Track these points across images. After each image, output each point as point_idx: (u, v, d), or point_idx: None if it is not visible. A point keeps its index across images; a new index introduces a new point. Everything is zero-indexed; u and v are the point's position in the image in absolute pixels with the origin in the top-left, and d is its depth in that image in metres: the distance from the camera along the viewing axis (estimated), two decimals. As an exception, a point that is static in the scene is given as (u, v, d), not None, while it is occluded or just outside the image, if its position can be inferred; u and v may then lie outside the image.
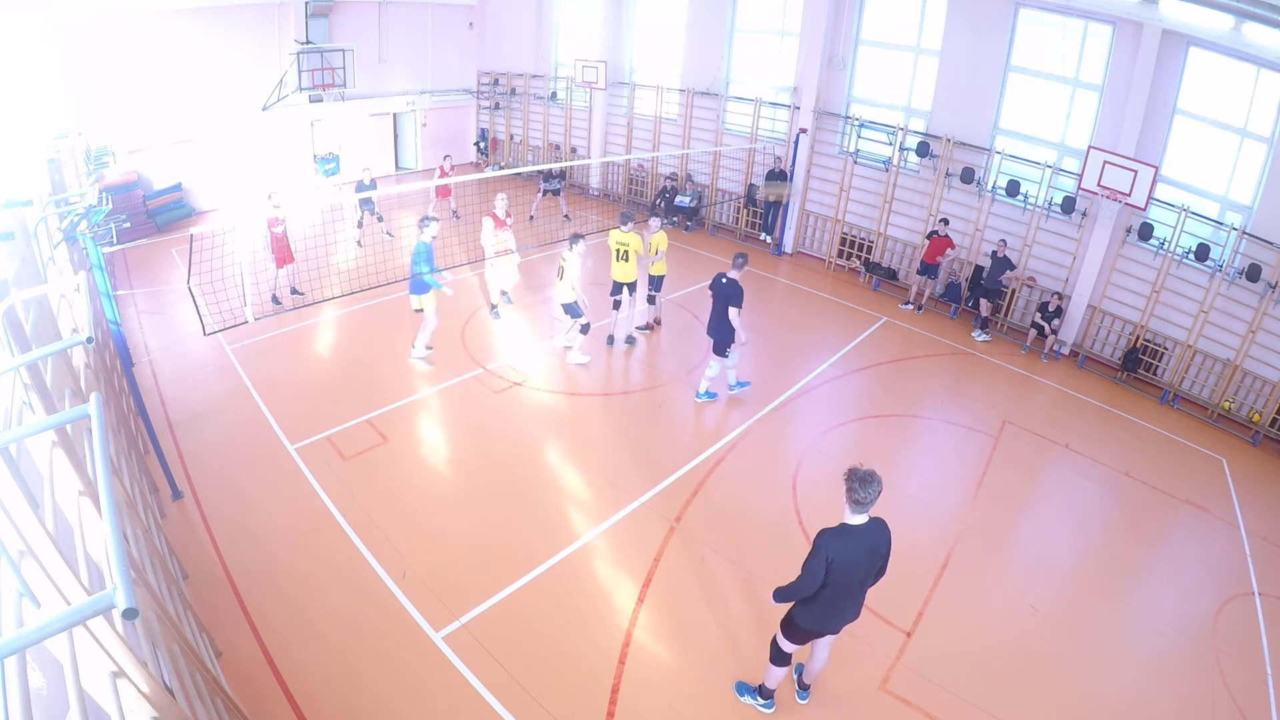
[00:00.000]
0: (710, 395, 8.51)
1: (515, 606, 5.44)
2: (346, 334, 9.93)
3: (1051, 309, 10.68)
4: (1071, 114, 10.95)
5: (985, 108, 11.60)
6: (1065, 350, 11.10)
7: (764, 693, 4.72)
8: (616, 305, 9.68)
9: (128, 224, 11.43)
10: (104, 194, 9.35)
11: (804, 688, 4.85)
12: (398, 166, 19.00)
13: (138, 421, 6.71)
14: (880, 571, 4.18)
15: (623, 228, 9.27)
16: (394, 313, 10.39)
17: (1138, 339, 10.35)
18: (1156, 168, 9.44)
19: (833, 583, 3.98)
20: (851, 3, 12.69)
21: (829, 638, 4.46)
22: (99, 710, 2.03)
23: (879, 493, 3.82)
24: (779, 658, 4.48)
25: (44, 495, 2.69)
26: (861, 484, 3.78)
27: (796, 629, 4.29)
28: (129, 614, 1.49)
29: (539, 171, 14.16)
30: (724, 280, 7.82)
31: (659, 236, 9.53)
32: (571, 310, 8.80)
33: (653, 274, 9.89)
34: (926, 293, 12.16)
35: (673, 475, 7.12)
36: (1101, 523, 7.28)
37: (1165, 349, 10.18)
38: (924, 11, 12.06)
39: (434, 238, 8.49)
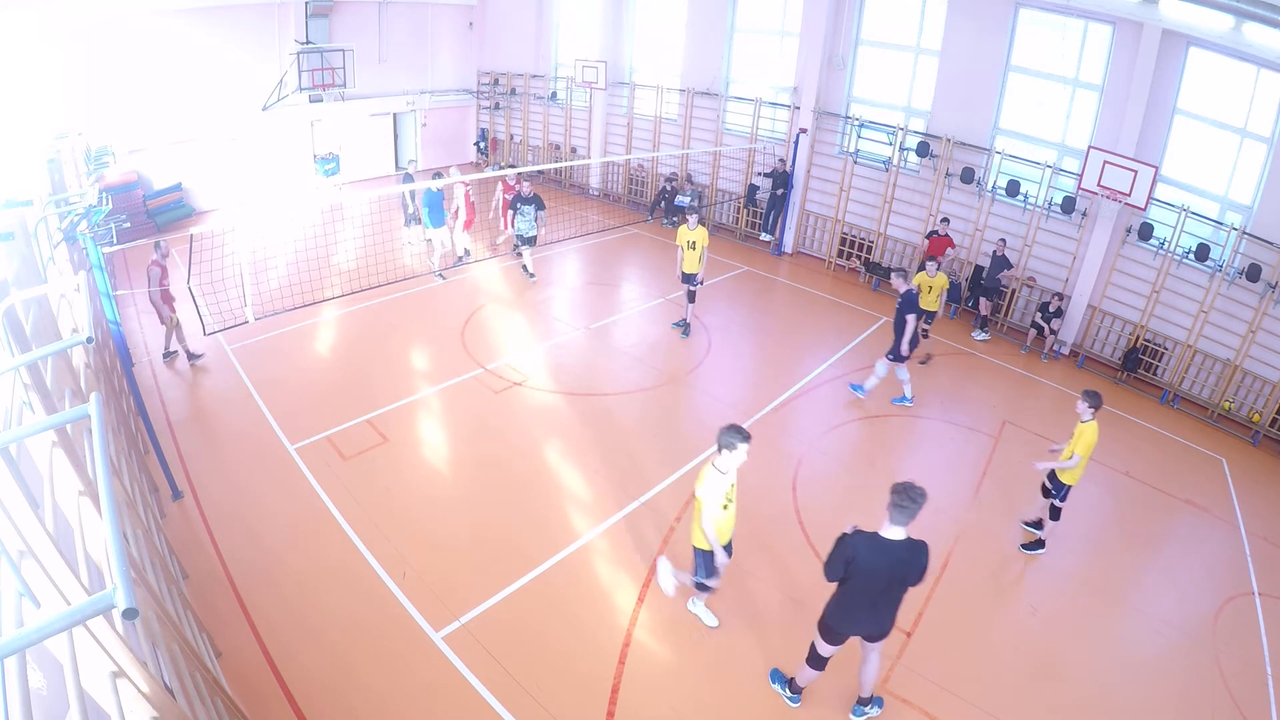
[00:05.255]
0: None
1: (515, 606, 5.43)
2: (346, 334, 9.93)
3: (1051, 309, 10.67)
4: (1071, 114, 10.95)
5: (985, 108, 11.60)
6: (1065, 350, 11.10)
7: (793, 687, 4.82)
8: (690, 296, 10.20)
9: (128, 224, 11.41)
10: (104, 194, 9.34)
11: (861, 702, 4.76)
12: (398, 167, 18.99)
13: (138, 421, 6.70)
14: (905, 584, 4.15)
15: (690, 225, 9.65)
16: (394, 313, 10.40)
17: (1138, 339, 10.35)
18: (1156, 168, 9.44)
19: (851, 582, 4.10)
20: (851, 3, 12.69)
21: (871, 647, 4.48)
22: (99, 710, 2.03)
23: (918, 505, 3.88)
24: (814, 659, 4.58)
25: (44, 495, 2.69)
26: (902, 493, 3.88)
27: (826, 627, 4.41)
28: (129, 614, 1.49)
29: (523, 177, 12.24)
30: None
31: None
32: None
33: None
34: (926, 293, 12.16)
35: (673, 475, 7.12)
36: (1101, 523, 7.27)
37: (1165, 349, 10.17)
38: (924, 11, 12.06)
39: (439, 188, 10.79)
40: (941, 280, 9.45)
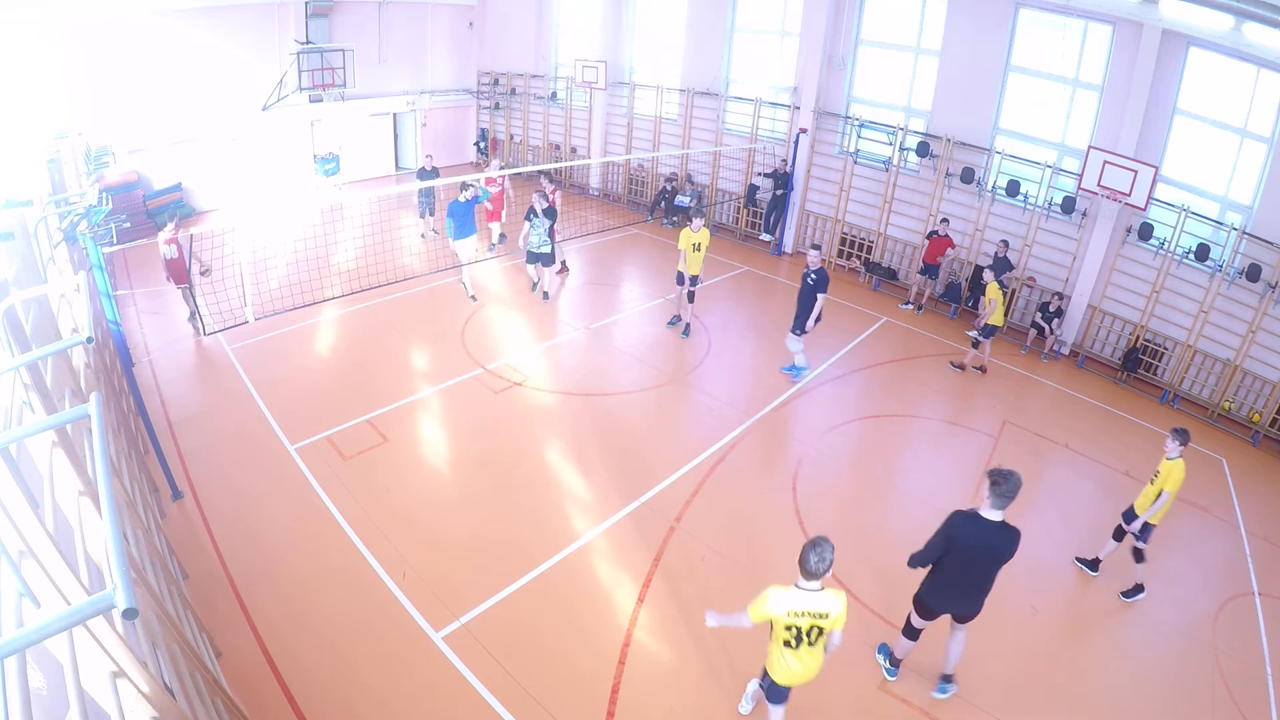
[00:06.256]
0: None
1: (515, 606, 5.43)
2: (346, 334, 9.93)
3: (1052, 309, 10.68)
4: (1071, 114, 10.95)
5: (985, 108, 11.60)
6: (1065, 350, 11.10)
7: (893, 659, 5.09)
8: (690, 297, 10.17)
9: (128, 224, 11.43)
10: (104, 194, 9.35)
11: (945, 679, 4.99)
12: (398, 167, 19.00)
13: (138, 421, 6.70)
14: (999, 563, 4.38)
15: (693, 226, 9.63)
16: (394, 313, 10.40)
17: (1138, 339, 10.35)
18: (1156, 168, 9.44)
19: (950, 563, 4.37)
20: (851, 3, 12.69)
21: (959, 629, 4.77)
22: (99, 710, 2.03)
23: (1015, 490, 4.12)
24: (909, 631, 4.89)
25: (44, 495, 2.69)
26: (1000, 480, 4.15)
27: (922, 604, 4.69)
28: (129, 614, 1.49)
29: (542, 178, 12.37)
30: None
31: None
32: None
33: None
34: (926, 293, 12.17)
35: (673, 475, 7.12)
36: (1101, 523, 7.26)
37: (1165, 349, 10.18)
38: (924, 11, 12.06)
39: (467, 199, 10.33)
40: (993, 290, 9.54)
